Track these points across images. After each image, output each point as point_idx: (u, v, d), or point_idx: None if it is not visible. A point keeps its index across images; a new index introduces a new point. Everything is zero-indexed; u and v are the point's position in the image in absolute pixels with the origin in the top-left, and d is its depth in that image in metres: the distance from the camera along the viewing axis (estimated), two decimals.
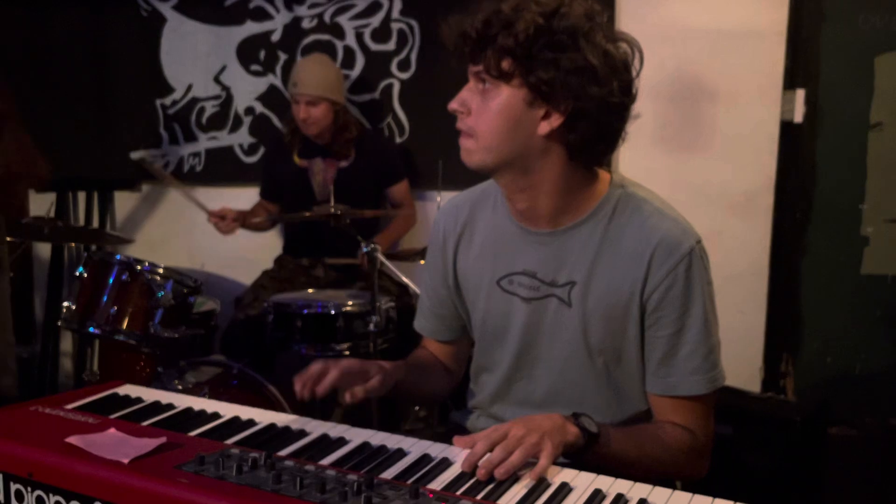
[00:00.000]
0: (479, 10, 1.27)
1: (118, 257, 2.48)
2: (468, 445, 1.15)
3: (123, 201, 3.82)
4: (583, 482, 1.10)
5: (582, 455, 1.22)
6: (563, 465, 1.15)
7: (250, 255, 3.38)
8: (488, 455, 1.11)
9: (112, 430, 1.23)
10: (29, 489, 1.13)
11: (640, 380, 1.37)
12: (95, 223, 3.78)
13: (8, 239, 2.56)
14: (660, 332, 1.32)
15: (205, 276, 3.50)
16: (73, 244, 3.64)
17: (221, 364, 2.51)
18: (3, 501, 1.16)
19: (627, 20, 2.97)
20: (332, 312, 2.60)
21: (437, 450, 1.19)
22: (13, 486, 1.15)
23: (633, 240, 1.32)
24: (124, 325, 2.42)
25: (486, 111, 1.28)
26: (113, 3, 3.60)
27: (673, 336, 1.31)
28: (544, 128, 1.27)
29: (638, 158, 2.85)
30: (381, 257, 2.49)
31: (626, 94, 1.29)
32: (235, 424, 1.30)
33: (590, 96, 1.24)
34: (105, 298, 2.45)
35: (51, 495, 1.11)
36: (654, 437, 1.32)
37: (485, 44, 1.25)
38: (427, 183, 3.28)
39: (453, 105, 1.32)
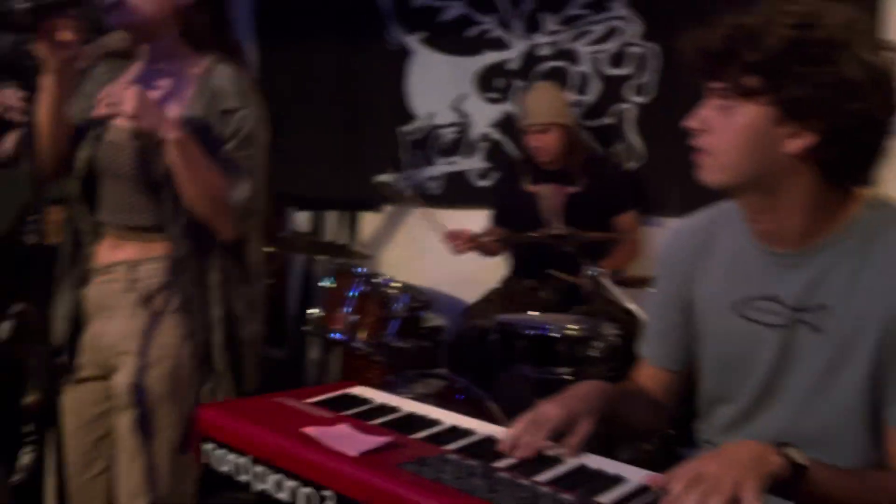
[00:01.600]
0: (721, 22, 1.21)
1: (360, 270, 2.67)
2: (663, 486, 1.07)
3: (368, 221, 4.10)
4: None
5: (787, 490, 1.07)
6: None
7: (478, 277, 3.47)
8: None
9: (343, 426, 1.31)
10: (270, 472, 1.24)
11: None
12: (343, 240, 4.10)
13: (267, 249, 2.84)
14: None
15: (435, 294, 3.64)
16: (323, 257, 3.96)
17: (446, 378, 2.59)
18: (249, 481, 1.28)
19: None
20: (555, 335, 2.59)
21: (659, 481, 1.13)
22: (255, 468, 1.27)
23: (894, 261, 1.18)
24: (362, 334, 2.59)
25: (727, 130, 1.21)
26: (365, 40, 3.90)
27: None
28: (793, 146, 1.18)
29: None
30: (605, 282, 2.44)
31: (891, 109, 1.16)
32: (455, 432, 1.33)
33: (848, 113, 1.13)
34: (347, 308, 2.64)
35: (287, 479, 1.21)
36: (881, 482, 1.15)
37: (727, 60, 1.18)
38: (661, 209, 3.18)
39: (692, 123, 1.27)
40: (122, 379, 1.65)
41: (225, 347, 1.69)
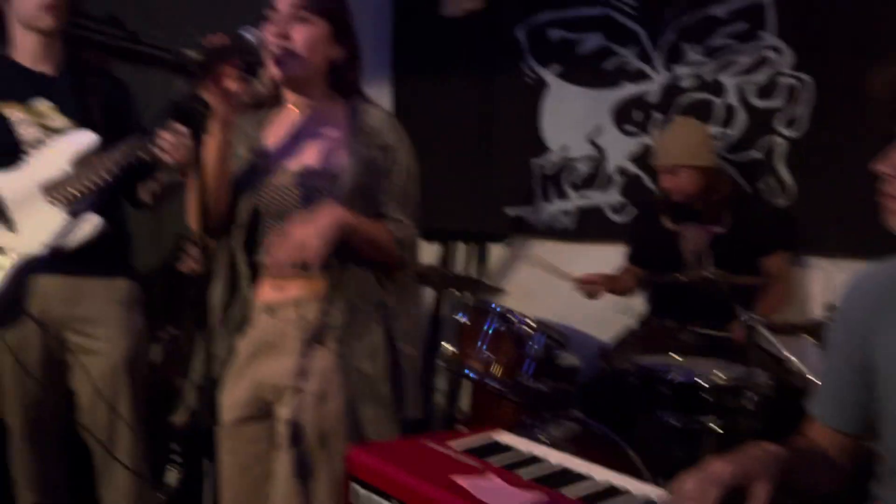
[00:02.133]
0: None
1: (495, 307, 2.63)
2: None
3: (497, 253, 4.07)
4: None
5: None
6: None
7: (612, 314, 3.36)
8: None
9: (493, 477, 1.27)
10: None
11: None
12: (472, 272, 4.08)
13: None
14: None
15: (568, 331, 3.56)
16: (454, 291, 3.95)
17: (581, 421, 2.50)
18: None
19: None
20: (701, 383, 2.45)
21: None
22: None
23: None
24: (497, 372, 2.55)
25: None
26: (502, 72, 3.90)
27: None
28: None
29: None
30: (762, 329, 2.29)
31: None
32: (610, 492, 1.26)
33: None
34: (481, 344, 2.61)
35: None
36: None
37: None
38: (813, 249, 2.98)
39: (882, 167, 1.16)
40: (283, 417, 1.67)
41: (388, 379, 1.69)
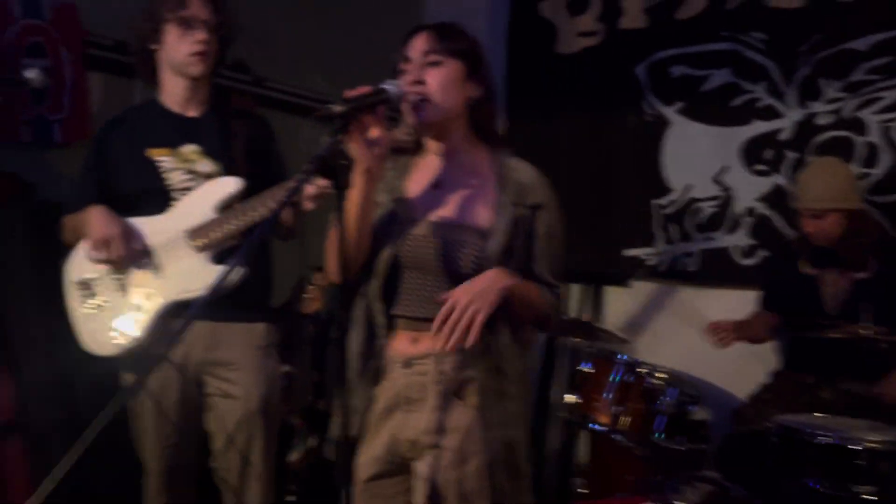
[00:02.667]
0: None
1: (622, 357, 2.52)
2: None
3: (614, 296, 3.94)
4: None
5: None
6: None
7: (743, 364, 3.17)
8: None
9: None
10: None
11: None
12: (587, 316, 3.95)
13: None
14: None
15: (695, 382, 3.38)
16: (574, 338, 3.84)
17: (718, 483, 2.34)
18: None
19: None
20: (853, 447, 2.25)
21: None
22: None
23: None
24: (625, 427, 2.42)
25: None
26: (619, 109, 3.80)
27: None
28: None
29: None
30: None
31: None
32: None
33: None
34: (607, 396, 2.49)
35: None
36: None
37: None
38: None
39: None
40: (420, 475, 1.61)
41: (528, 448, 1.63)
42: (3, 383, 2.56)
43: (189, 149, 2.19)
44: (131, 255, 2.12)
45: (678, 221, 3.64)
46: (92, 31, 2.90)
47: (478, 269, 1.59)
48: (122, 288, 2.15)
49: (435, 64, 1.63)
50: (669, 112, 3.66)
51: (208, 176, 2.17)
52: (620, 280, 3.86)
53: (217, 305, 2.10)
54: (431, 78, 1.62)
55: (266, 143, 2.32)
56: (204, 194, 2.14)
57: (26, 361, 2.53)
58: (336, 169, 1.44)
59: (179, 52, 2.15)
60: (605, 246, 3.83)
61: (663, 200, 3.68)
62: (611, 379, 2.50)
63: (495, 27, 4.16)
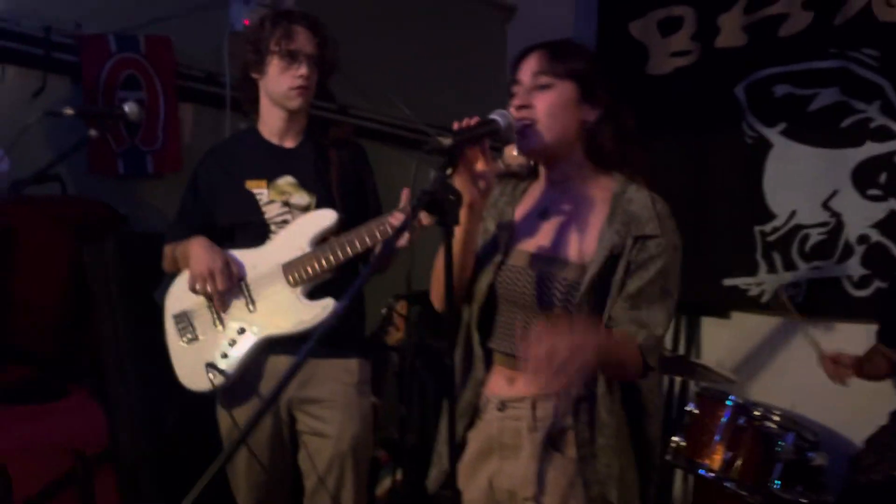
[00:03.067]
0: None
1: (733, 399, 2.34)
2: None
3: (711, 328, 3.73)
4: None
5: None
6: None
7: (860, 404, 2.93)
8: None
9: None
10: None
11: None
12: (680, 348, 3.76)
13: None
14: None
15: (812, 426, 3.14)
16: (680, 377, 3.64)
17: None
18: None
19: None
20: None
21: None
22: None
23: None
24: (737, 474, 2.25)
25: None
26: (717, 131, 3.62)
27: None
28: None
29: None
30: None
31: None
32: None
33: None
34: (717, 439, 2.32)
35: None
36: None
37: None
38: None
39: None
40: None
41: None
42: (96, 414, 2.57)
43: (285, 180, 2.18)
44: (230, 289, 2.10)
45: (782, 249, 3.42)
46: (183, 63, 2.93)
47: (568, 306, 1.48)
48: (218, 322, 2.14)
49: (545, 87, 1.53)
50: (772, 133, 3.47)
51: (304, 208, 2.16)
52: (720, 311, 3.66)
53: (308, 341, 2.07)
54: (540, 102, 1.52)
55: (361, 172, 2.29)
56: (300, 228, 2.12)
57: (118, 392, 2.53)
58: (444, 205, 1.35)
59: (281, 85, 2.15)
60: (702, 275, 3.63)
61: (766, 227, 3.47)
62: (721, 421, 2.33)
63: None
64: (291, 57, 2.12)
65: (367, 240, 2.00)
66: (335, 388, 2.14)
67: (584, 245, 1.53)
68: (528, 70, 1.54)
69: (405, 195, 2.01)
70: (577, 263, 1.51)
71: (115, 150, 2.73)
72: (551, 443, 1.51)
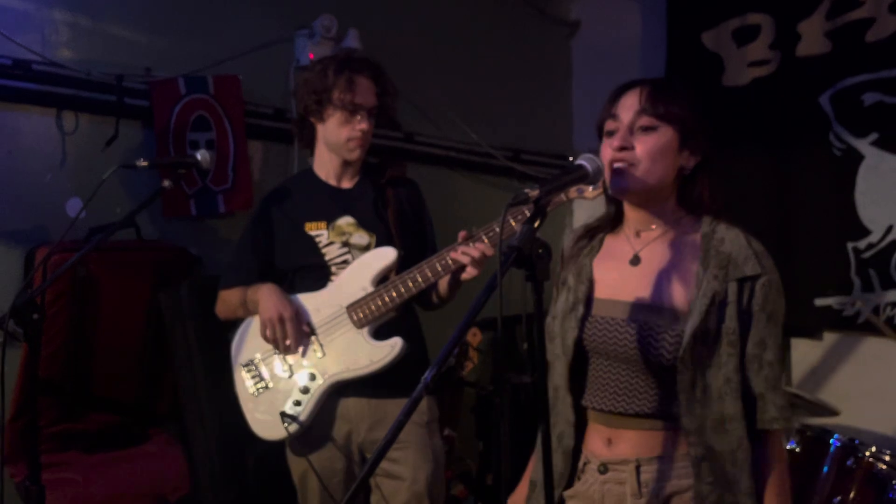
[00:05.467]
0: None
1: (838, 438, 2.18)
2: None
3: (802, 351, 3.54)
4: None
5: None
6: None
7: None
8: None
9: None
10: None
11: None
12: None
13: None
14: None
15: None
16: None
17: None
18: None
19: None
20: None
21: None
22: None
23: None
24: None
25: None
26: (802, 144, 3.44)
27: None
28: None
29: None
30: None
31: None
32: None
33: None
34: (822, 483, 2.16)
35: None
36: None
37: None
38: None
39: None
40: None
41: None
42: (177, 458, 2.57)
43: (344, 221, 2.16)
44: (299, 336, 2.08)
45: (879, 266, 3.22)
46: (250, 101, 2.92)
47: (674, 357, 1.38)
48: (288, 369, 2.13)
49: (647, 129, 1.43)
50: (862, 144, 3.27)
51: (364, 248, 2.14)
52: (811, 332, 3.47)
53: (379, 381, 2.04)
54: (641, 144, 1.43)
55: (417, 208, 2.27)
56: (361, 268, 2.10)
57: (198, 437, 2.52)
58: (533, 259, 1.26)
59: (340, 136, 2.14)
60: (792, 294, 3.42)
61: (860, 243, 3.28)
62: (826, 462, 2.17)
63: (652, 63, 3.90)
64: (352, 110, 2.09)
65: (430, 275, 1.98)
66: (407, 428, 2.08)
67: (683, 291, 1.44)
68: (630, 108, 1.44)
69: (462, 237, 1.96)
70: (676, 311, 1.42)
71: (188, 192, 2.74)
72: None
